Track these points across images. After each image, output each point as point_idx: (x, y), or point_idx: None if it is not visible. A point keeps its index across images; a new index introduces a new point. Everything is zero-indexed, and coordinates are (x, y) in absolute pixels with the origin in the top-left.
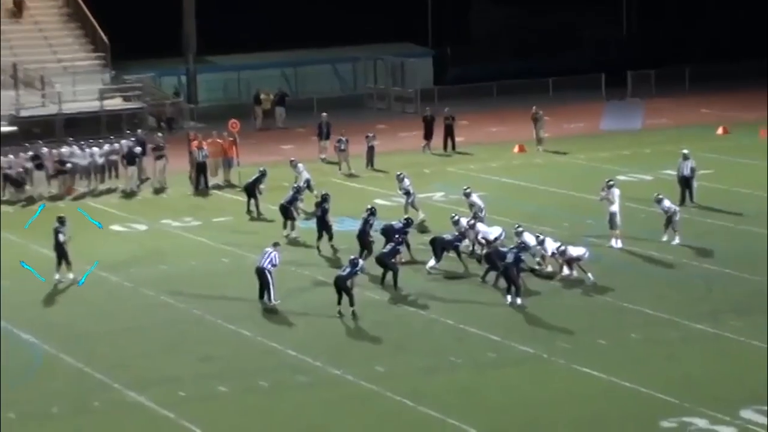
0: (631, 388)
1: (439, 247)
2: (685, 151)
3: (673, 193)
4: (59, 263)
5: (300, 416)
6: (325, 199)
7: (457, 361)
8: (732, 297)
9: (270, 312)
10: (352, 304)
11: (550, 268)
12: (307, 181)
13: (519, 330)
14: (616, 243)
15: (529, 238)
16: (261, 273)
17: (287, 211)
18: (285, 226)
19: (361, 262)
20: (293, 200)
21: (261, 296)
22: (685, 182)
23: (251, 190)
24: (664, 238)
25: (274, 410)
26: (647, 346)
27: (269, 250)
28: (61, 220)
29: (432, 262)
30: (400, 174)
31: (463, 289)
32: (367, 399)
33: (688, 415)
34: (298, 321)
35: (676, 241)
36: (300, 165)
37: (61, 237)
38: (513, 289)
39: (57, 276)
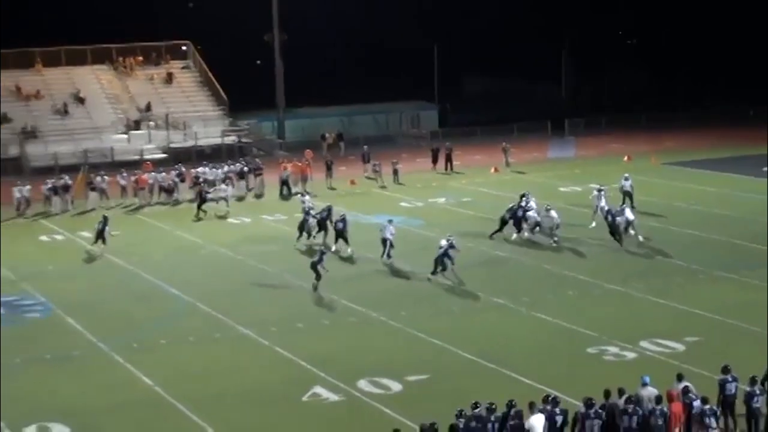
0: (569, 327)
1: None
2: (626, 174)
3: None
4: (96, 241)
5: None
6: (390, 221)
7: (453, 309)
8: (636, 267)
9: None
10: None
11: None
12: (309, 209)
13: (494, 287)
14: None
15: (556, 214)
16: (384, 241)
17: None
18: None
19: (328, 252)
20: (326, 218)
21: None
22: (627, 194)
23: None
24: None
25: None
26: (579, 299)
27: (387, 224)
28: (105, 219)
29: (514, 235)
30: (303, 195)
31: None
32: (392, 333)
33: (605, 345)
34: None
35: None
36: (306, 198)
37: (107, 228)
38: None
39: (91, 246)
